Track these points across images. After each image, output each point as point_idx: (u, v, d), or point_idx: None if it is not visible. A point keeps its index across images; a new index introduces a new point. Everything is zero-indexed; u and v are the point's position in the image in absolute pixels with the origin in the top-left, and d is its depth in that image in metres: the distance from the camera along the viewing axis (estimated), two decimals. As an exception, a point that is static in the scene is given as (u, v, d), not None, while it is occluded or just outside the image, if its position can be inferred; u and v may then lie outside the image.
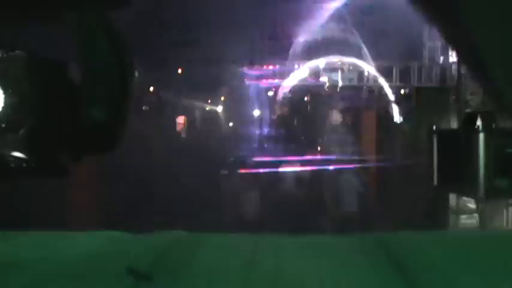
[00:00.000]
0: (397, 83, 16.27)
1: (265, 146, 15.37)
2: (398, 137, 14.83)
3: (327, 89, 16.33)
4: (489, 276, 1.54)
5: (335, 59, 16.44)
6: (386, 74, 16.14)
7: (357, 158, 14.28)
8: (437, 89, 15.43)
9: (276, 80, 16.73)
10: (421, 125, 13.80)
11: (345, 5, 15.63)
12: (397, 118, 15.82)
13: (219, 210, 11.77)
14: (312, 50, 16.56)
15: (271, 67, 16.74)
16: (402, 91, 16.17)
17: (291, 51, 16.61)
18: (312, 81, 16.73)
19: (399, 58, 15.71)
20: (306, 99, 17.20)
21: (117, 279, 1.52)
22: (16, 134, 0.95)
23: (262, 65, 16.55)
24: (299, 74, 16.79)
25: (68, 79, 1.00)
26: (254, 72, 16.29)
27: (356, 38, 15.59)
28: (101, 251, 1.75)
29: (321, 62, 16.78)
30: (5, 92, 0.96)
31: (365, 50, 15.55)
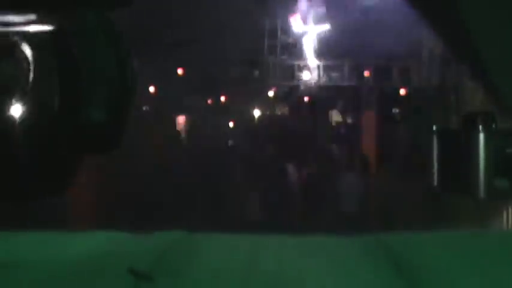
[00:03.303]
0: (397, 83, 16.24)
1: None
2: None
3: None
4: (489, 276, 1.54)
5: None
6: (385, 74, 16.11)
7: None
8: (437, 89, 15.41)
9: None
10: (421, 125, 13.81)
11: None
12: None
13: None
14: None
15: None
16: (402, 91, 16.14)
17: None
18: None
19: (399, 58, 15.68)
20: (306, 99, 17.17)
21: (118, 279, 1.53)
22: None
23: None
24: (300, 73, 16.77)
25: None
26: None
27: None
28: (101, 251, 1.75)
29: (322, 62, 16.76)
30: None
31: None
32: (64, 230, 1.91)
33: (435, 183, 1.98)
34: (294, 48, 16.87)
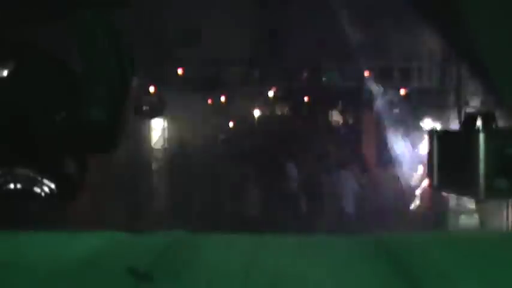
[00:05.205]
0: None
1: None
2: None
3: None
4: (489, 276, 1.54)
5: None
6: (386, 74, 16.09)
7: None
8: (437, 89, 15.39)
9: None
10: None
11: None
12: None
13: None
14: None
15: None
16: (402, 91, 16.11)
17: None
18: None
19: (399, 58, 15.65)
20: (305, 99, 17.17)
21: (118, 279, 1.53)
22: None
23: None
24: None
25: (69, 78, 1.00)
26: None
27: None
28: (101, 251, 1.75)
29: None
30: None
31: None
32: (64, 230, 1.91)
33: (435, 183, 1.98)
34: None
